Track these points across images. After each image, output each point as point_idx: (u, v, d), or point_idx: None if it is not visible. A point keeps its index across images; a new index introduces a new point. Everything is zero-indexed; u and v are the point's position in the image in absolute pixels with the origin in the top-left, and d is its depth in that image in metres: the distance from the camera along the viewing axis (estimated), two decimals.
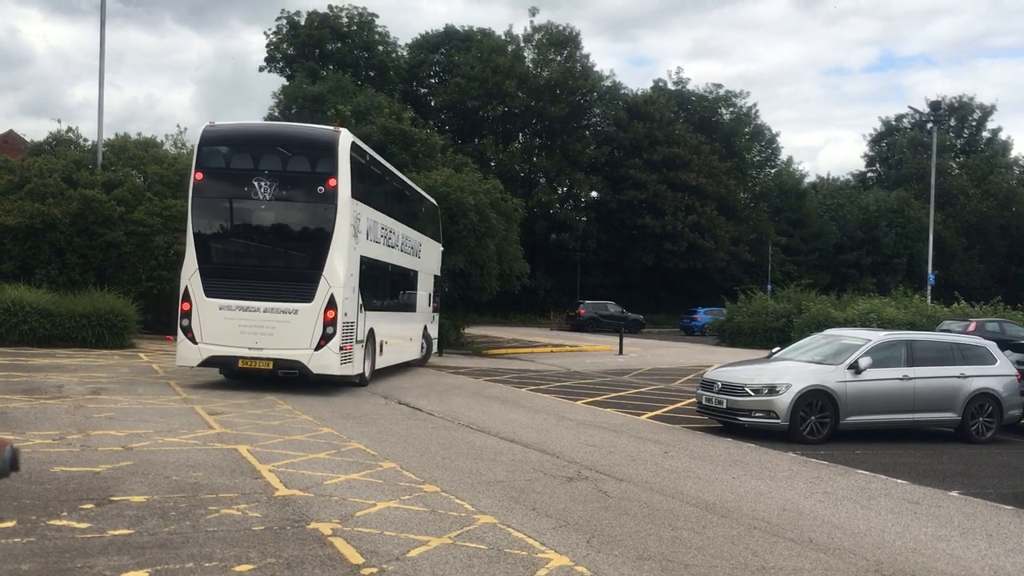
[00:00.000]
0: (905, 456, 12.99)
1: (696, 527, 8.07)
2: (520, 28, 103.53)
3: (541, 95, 62.02)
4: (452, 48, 66.20)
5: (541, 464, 10.74)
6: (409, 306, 22.37)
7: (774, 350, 16.59)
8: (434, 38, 67.81)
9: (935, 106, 52.71)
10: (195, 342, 16.06)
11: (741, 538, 7.77)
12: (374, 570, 6.27)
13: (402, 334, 21.60)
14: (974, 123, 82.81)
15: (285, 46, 61.55)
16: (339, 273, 15.91)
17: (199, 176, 16.63)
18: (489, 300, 34.29)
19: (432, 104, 65.71)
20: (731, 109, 74.73)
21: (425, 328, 24.37)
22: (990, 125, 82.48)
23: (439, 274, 25.96)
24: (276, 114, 55.83)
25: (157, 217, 29.02)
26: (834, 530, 8.27)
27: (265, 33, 62.49)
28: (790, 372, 14.18)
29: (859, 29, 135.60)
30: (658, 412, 16.58)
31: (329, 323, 15.76)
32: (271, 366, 16.02)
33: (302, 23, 60.56)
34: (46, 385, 15.80)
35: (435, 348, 26.18)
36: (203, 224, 16.61)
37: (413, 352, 23.19)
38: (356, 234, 16.65)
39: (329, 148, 16.25)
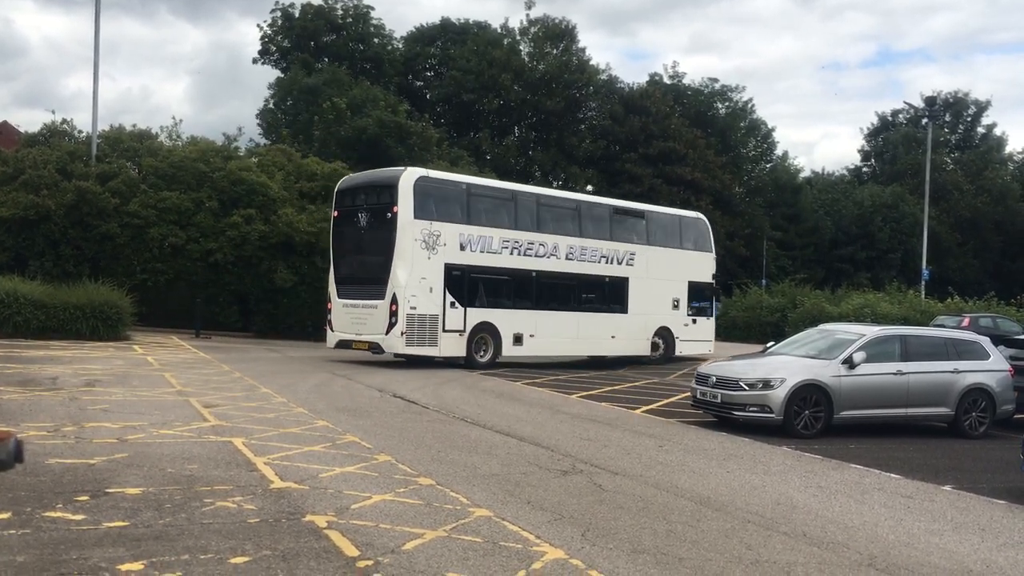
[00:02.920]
0: (898, 451, 13.03)
1: (690, 521, 8.09)
2: (516, 21, 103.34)
3: (537, 89, 61.88)
4: (448, 41, 65.95)
5: (536, 457, 10.76)
6: (607, 307, 25.53)
7: (768, 345, 16.63)
8: (430, 31, 67.54)
9: (930, 102, 52.75)
10: (332, 330, 22.31)
11: (735, 532, 7.80)
12: (369, 563, 6.28)
13: (584, 331, 24.71)
14: (969, 119, 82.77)
15: (280, 38, 61.23)
16: (400, 277, 20.88)
17: (336, 213, 23.20)
18: None
19: (428, 97, 65.50)
20: (727, 104, 74.65)
21: (661, 328, 26.98)
22: (985, 121, 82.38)
23: (699, 280, 28.11)
24: (271, 106, 55.69)
25: (152, 209, 28.99)
26: (828, 524, 8.30)
27: (259, 25, 62.00)
28: (784, 367, 14.21)
29: (857, 24, 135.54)
30: (653, 406, 16.61)
31: (392, 314, 20.83)
32: (367, 347, 21.47)
33: (296, 15, 60.26)
34: (40, 377, 15.79)
35: (698, 349, 28.27)
36: (336, 246, 22.94)
37: (626, 348, 26.01)
38: (432, 247, 21.27)
39: (393, 183, 21.43)
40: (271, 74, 62.65)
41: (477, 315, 22.13)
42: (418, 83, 67.56)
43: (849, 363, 13.95)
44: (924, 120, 60.83)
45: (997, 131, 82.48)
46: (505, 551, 6.77)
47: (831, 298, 42.15)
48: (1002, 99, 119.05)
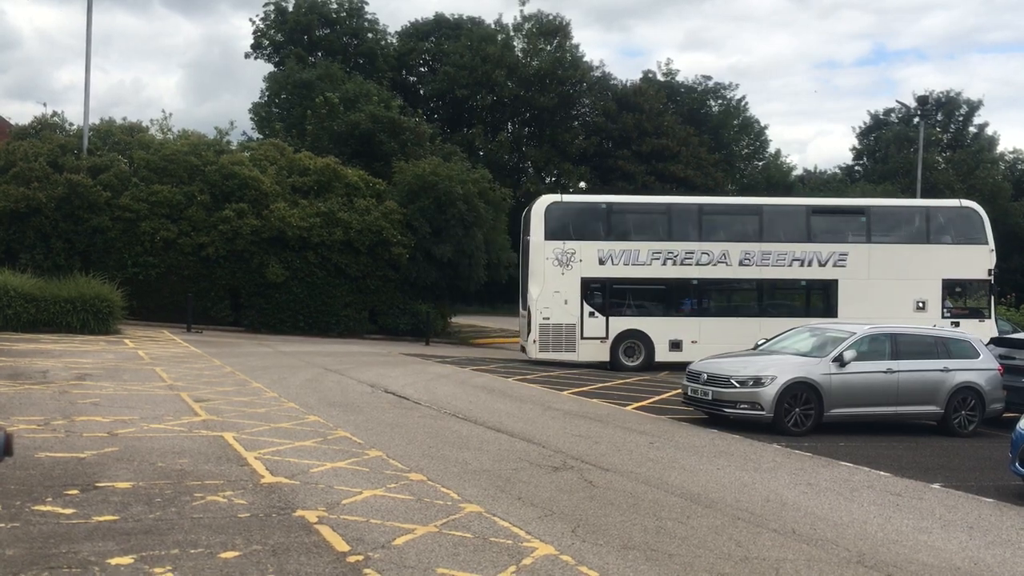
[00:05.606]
0: (888, 448, 13.08)
1: (680, 517, 8.12)
2: (510, 17, 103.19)
3: (530, 85, 61.84)
4: (442, 36, 65.86)
5: (527, 453, 10.77)
6: (805, 311, 24.25)
7: (759, 342, 16.67)
8: (424, 26, 67.44)
9: (922, 101, 52.88)
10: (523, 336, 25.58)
11: (725, 528, 7.83)
12: (360, 558, 6.28)
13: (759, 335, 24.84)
14: (961, 118, 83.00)
15: (273, 32, 61.08)
16: (532, 292, 23.83)
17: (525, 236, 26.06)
18: (476, 290, 34.29)
19: (421, 93, 65.40)
20: (720, 101, 74.72)
21: None
22: (977, 120, 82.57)
23: (961, 277, 25.24)
24: (264, 100, 55.52)
25: (143, 203, 28.87)
26: (817, 521, 8.33)
27: (251, 19, 61.83)
28: (775, 364, 14.26)
29: (852, 23, 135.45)
30: (644, 403, 16.64)
31: (527, 323, 24.04)
32: (525, 350, 24.46)
33: (290, 9, 60.11)
34: (30, 370, 15.73)
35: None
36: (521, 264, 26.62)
37: None
38: (566, 264, 23.67)
39: (530, 211, 24.57)
40: (264, 68, 62.53)
41: (622, 323, 23.90)
42: (411, 78, 67.45)
43: (839, 361, 14.01)
44: (916, 119, 61.04)
45: (989, 131, 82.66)
46: (495, 547, 6.79)
47: None
48: (995, 98, 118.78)
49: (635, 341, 23.86)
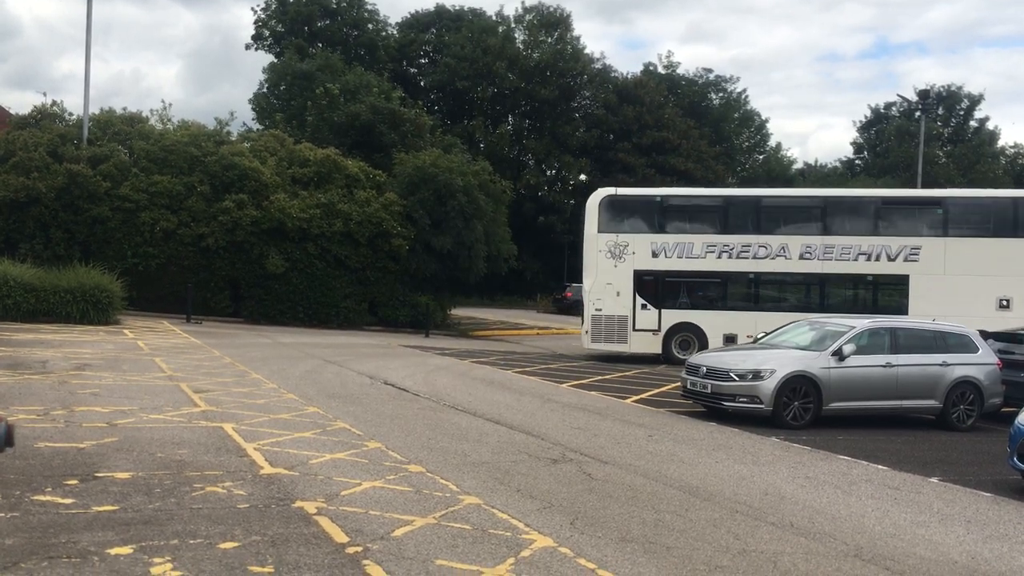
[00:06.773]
0: (886, 442, 13.10)
1: (679, 510, 8.13)
2: (511, 9, 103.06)
3: (531, 77, 61.80)
4: (443, 28, 65.81)
5: (526, 446, 10.79)
6: (872, 307, 23.36)
7: (759, 335, 16.67)
8: (425, 17, 67.36)
9: (923, 95, 52.75)
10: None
11: (723, 521, 7.84)
12: (359, 549, 6.30)
13: None
14: (962, 112, 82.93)
15: (273, 23, 61.00)
16: (585, 284, 24.53)
17: None
18: (476, 282, 34.31)
19: (422, 84, 65.35)
20: (721, 94, 74.67)
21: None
22: (978, 114, 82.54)
23: None
24: (265, 91, 55.45)
25: (143, 193, 28.86)
26: (815, 514, 8.35)
27: (253, 9, 61.63)
28: (774, 358, 14.26)
29: (854, 16, 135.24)
30: (643, 395, 16.66)
31: (582, 315, 24.71)
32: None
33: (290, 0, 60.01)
34: (30, 360, 15.74)
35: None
36: None
37: None
38: (618, 256, 23.96)
39: (586, 203, 25.03)
40: (265, 58, 62.45)
41: (674, 316, 24.03)
42: (412, 70, 67.37)
43: (839, 355, 14.02)
44: (917, 113, 60.93)
45: (991, 124, 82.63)
46: (494, 538, 6.80)
47: None
48: (998, 92, 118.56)
49: (688, 334, 23.90)
